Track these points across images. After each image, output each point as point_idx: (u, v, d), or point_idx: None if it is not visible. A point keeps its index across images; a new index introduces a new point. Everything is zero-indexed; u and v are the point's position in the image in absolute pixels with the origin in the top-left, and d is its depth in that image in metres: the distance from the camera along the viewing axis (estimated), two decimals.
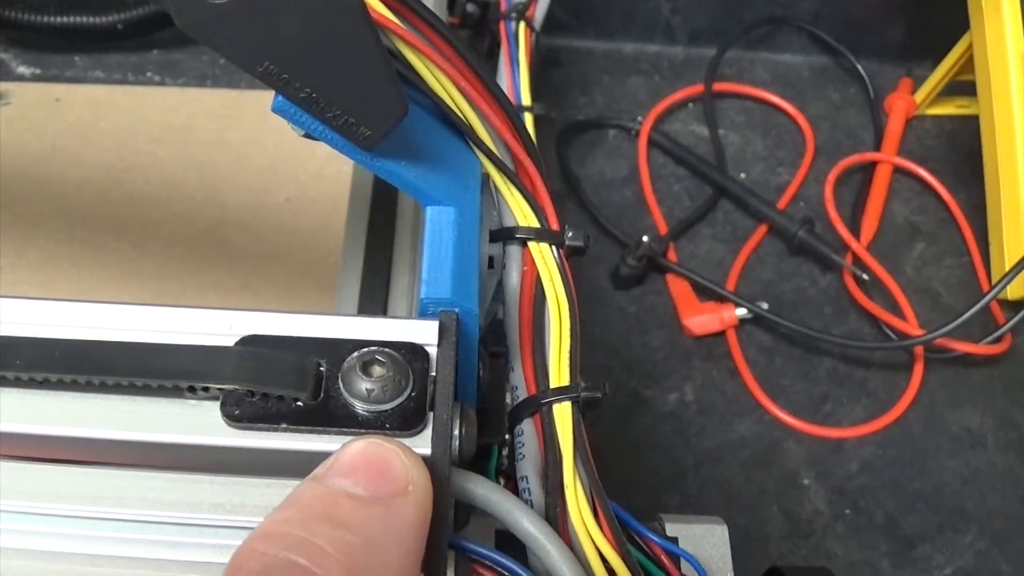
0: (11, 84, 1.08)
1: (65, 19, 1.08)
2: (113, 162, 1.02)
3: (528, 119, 0.90)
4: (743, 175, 1.11)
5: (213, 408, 0.43)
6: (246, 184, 1.00)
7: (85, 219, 0.98)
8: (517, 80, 0.92)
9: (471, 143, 0.56)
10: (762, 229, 1.06)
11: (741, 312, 0.98)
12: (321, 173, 1.00)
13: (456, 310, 0.49)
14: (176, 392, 0.44)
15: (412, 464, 0.40)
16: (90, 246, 0.96)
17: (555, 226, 0.58)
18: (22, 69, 1.11)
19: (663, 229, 1.05)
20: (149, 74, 1.12)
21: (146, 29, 1.10)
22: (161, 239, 0.97)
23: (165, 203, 0.99)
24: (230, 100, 1.07)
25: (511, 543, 0.48)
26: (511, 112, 0.56)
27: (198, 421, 0.43)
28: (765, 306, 0.99)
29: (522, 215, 0.57)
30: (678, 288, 1.01)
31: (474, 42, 1.01)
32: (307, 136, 0.48)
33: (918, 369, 0.98)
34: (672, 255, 1.03)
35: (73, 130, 1.04)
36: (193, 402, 0.44)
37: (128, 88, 1.09)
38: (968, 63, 1.05)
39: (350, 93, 0.46)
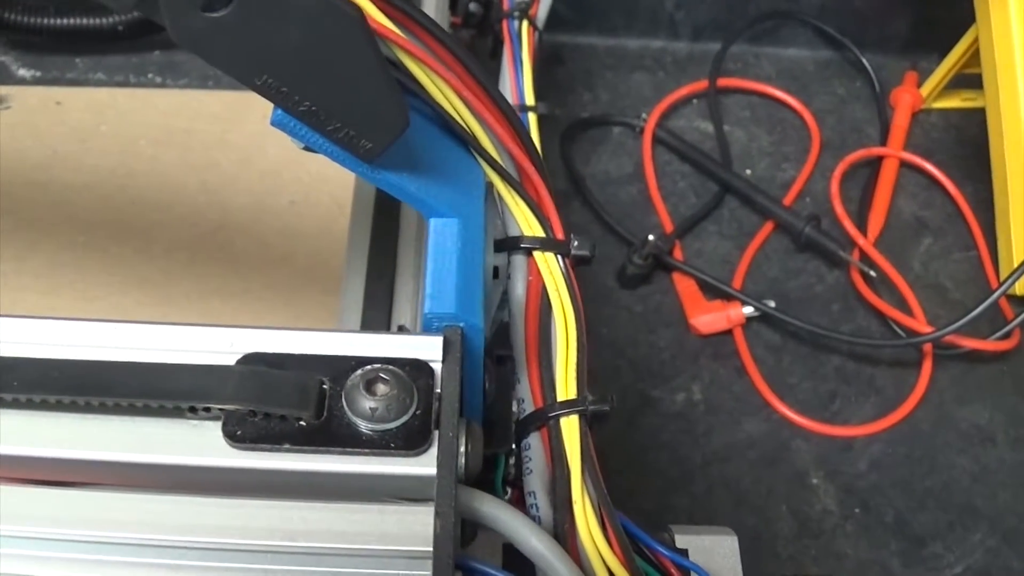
0: (11, 88, 1.08)
1: (65, 21, 1.07)
2: (114, 166, 1.01)
3: (532, 119, 0.89)
4: (748, 171, 1.10)
5: (215, 428, 0.43)
6: (249, 187, 1.00)
7: (87, 224, 0.97)
8: (521, 80, 0.91)
9: (474, 152, 0.55)
10: (768, 226, 1.05)
11: (748, 310, 0.98)
12: (324, 175, 1.00)
13: (461, 324, 0.48)
14: (177, 412, 0.43)
15: None
16: (93, 251, 0.95)
17: (560, 235, 0.57)
18: (23, 72, 1.10)
19: (669, 227, 1.04)
20: (150, 75, 1.11)
21: (147, 30, 1.10)
22: (164, 243, 0.96)
23: (167, 207, 0.98)
24: (232, 102, 1.06)
25: (519, 556, 0.47)
26: (514, 120, 0.55)
27: (199, 442, 0.43)
28: (772, 304, 0.98)
29: (527, 224, 0.57)
30: (684, 287, 1.00)
31: (477, 42, 1.00)
32: (307, 149, 0.48)
33: (927, 366, 0.97)
34: (678, 253, 1.02)
35: (74, 134, 1.04)
36: (194, 422, 0.43)
37: (129, 91, 1.09)
38: (974, 56, 1.04)
39: (351, 106, 0.45)
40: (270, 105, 0.46)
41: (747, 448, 0.93)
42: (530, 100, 0.91)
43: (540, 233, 0.57)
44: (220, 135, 1.04)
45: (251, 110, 1.05)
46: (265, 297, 0.93)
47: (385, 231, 0.78)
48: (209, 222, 0.97)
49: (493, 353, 0.59)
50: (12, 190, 0.98)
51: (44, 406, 0.43)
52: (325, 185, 0.99)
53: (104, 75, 1.11)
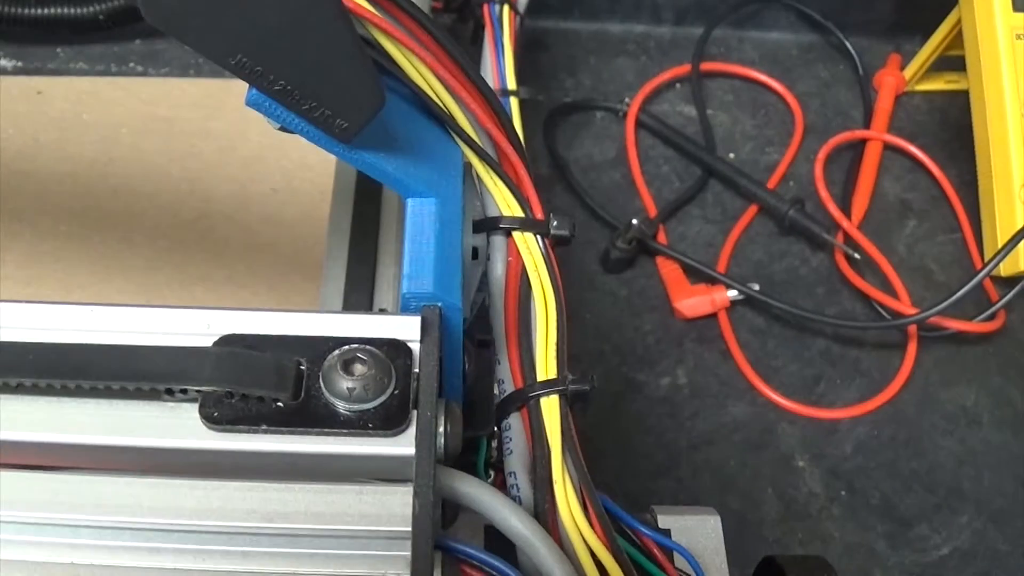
0: None
1: (46, 11, 1.07)
2: (96, 155, 1.01)
3: (514, 103, 0.89)
4: (732, 155, 1.10)
5: (192, 410, 0.43)
6: (231, 175, 0.99)
7: (70, 213, 0.97)
8: (502, 64, 0.91)
9: (452, 132, 0.55)
10: (752, 209, 1.05)
11: (732, 294, 0.98)
12: (306, 162, 0.99)
13: (439, 304, 0.48)
14: (154, 395, 0.43)
15: None
16: (75, 240, 0.95)
17: (540, 215, 0.57)
18: (3, 62, 1.10)
19: (652, 211, 1.04)
20: (132, 64, 1.11)
21: (128, 19, 1.09)
22: (146, 232, 0.96)
23: (150, 195, 0.98)
24: (213, 90, 1.06)
25: (501, 538, 0.47)
26: (492, 100, 0.55)
27: (176, 424, 0.43)
28: (756, 287, 0.98)
29: (506, 205, 0.57)
30: (669, 271, 1.00)
31: (458, 27, 1.00)
32: (283, 129, 0.48)
33: (911, 348, 0.97)
34: (662, 237, 1.02)
35: (56, 123, 1.03)
36: (171, 404, 0.43)
37: (111, 79, 1.08)
38: (957, 38, 1.04)
39: (325, 85, 0.45)
40: None
41: (732, 431, 0.93)
42: (512, 84, 0.90)
43: (519, 213, 0.56)
44: (202, 123, 1.03)
45: (232, 98, 1.04)
46: (248, 284, 0.93)
47: (366, 218, 0.78)
48: (191, 210, 0.97)
49: (475, 337, 0.59)
50: None
51: (20, 390, 0.43)
52: (307, 172, 0.99)
53: (85, 64, 1.11)
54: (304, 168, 0.99)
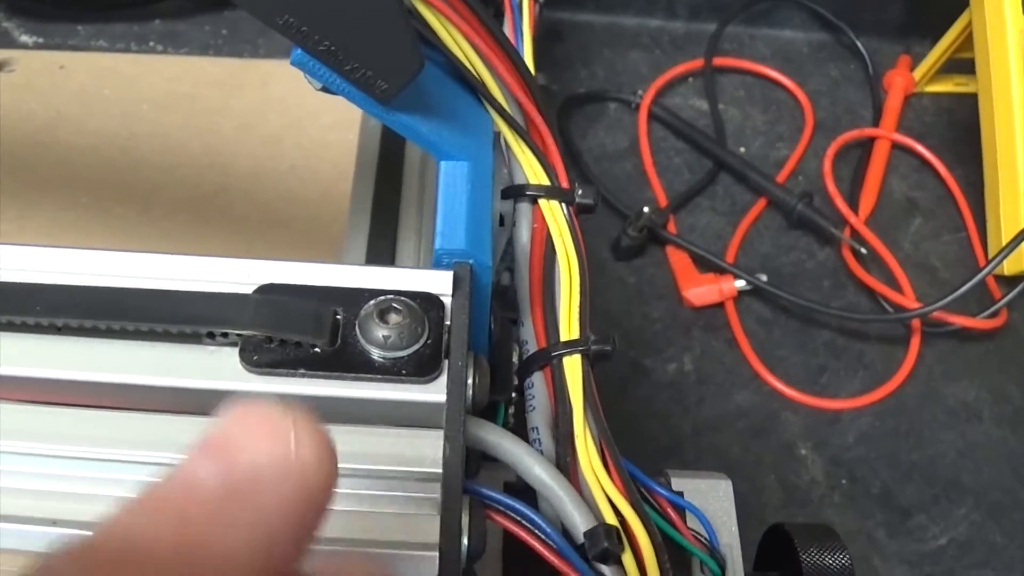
0: (15, 52, 1.08)
1: None
2: (118, 129, 1.02)
3: None
4: (742, 149, 1.11)
5: (232, 354, 0.44)
6: (250, 152, 1.00)
7: (90, 185, 0.98)
8: (521, 51, 0.92)
9: (484, 100, 0.57)
10: (761, 203, 1.06)
11: (740, 284, 0.99)
12: (325, 141, 1.01)
13: (470, 261, 0.49)
14: (195, 338, 0.44)
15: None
16: (95, 211, 0.96)
17: (565, 184, 0.58)
18: (25, 38, 1.11)
19: (663, 201, 1.05)
20: (152, 44, 1.12)
21: None
22: (165, 205, 0.97)
23: (170, 169, 0.99)
24: (234, 69, 1.07)
25: (520, 494, 0.48)
26: (524, 71, 0.57)
27: (217, 366, 0.44)
28: (764, 278, 0.99)
29: (533, 173, 0.58)
30: (678, 260, 1.01)
31: None
32: (324, 90, 0.49)
33: (915, 342, 0.99)
34: (672, 227, 1.03)
35: (78, 97, 1.04)
36: (212, 348, 0.45)
37: (133, 56, 1.10)
38: (967, 41, 1.05)
39: (368, 47, 0.47)
40: (271, 73, 0.48)
41: (736, 418, 0.94)
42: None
43: (545, 181, 0.58)
44: (223, 100, 1.04)
45: (253, 77, 1.05)
46: (266, 258, 0.94)
47: (387, 196, 0.79)
48: (211, 184, 0.98)
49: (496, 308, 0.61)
50: (16, 151, 0.99)
51: (67, 331, 0.44)
52: (326, 151, 1.00)
53: (106, 43, 1.12)
54: (322, 147, 1.00)
